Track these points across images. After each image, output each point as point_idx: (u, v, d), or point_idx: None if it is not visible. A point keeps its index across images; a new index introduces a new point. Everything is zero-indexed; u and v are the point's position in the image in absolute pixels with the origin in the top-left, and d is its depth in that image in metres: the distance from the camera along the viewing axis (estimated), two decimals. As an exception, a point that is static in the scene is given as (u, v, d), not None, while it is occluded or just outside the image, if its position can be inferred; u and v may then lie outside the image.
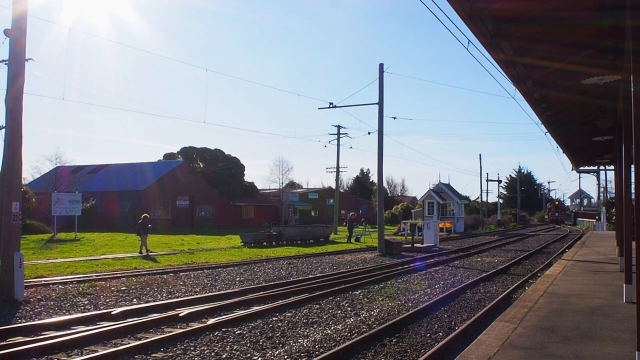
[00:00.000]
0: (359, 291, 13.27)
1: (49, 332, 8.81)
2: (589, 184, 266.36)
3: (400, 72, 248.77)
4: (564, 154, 22.67)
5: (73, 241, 28.88)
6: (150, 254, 22.66)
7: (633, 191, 8.37)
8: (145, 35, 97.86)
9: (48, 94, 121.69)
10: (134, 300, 11.89)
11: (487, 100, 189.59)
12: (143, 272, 16.46)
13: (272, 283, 14.42)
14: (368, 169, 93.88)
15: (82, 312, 10.37)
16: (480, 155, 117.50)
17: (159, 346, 7.93)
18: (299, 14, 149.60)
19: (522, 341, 6.69)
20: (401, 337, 8.59)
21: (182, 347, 7.97)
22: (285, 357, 7.50)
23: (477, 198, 76.43)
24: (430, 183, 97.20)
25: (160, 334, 8.59)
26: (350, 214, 39.48)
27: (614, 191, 32.42)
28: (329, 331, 9.05)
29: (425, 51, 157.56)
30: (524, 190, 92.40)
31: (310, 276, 16.00)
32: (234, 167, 62.46)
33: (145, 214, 25.06)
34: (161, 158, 64.00)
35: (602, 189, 57.28)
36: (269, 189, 69.24)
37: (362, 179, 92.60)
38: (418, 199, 61.19)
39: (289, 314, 10.40)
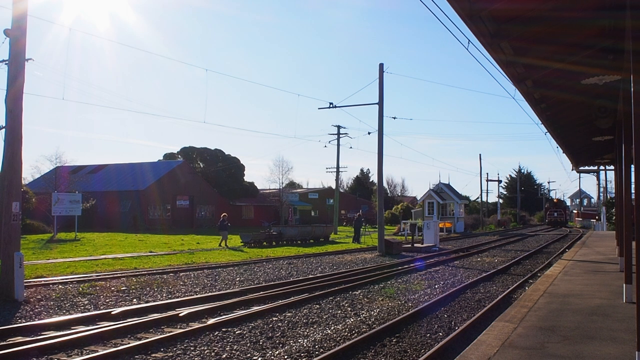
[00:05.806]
0: (359, 291, 13.27)
1: (49, 332, 8.81)
2: (589, 184, 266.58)
3: (400, 72, 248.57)
4: (564, 154, 22.69)
5: (73, 241, 28.89)
6: (227, 248, 26.64)
7: (633, 191, 8.37)
8: (145, 35, 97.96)
9: (48, 93, 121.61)
10: (134, 300, 11.90)
11: (487, 100, 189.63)
12: (143, 272, 16.46)
13: (272, 283, 14.42)
14: (368, 169, 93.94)
15: (82, 312, 10.37)
16: (480, 155, 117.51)
17: (159, 346, 7.93)
18: (299, 14, 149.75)
19: (522, 341, 6.70)
20: (401, 337, 8.59)
21: (182, 347, 7.97)
22: (285, 357, 7.50)
23: (477, 198, 76.60)
24: (430, 183, 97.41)
25: (160, 334, 8.59)
26: (357, 213, 39.45)
27: (614, 191, 32.44)
28: (329, 331, 9.05)
29: (425, 51, 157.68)
30: (524, 190, 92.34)
31: (310, 276, 16.00)
32: (234, 167, 62.47)
33: (224, 214, 29.63)
34: (161, 158, 64.05)
35: (602, 189, 57.35)
36: (269, 189, 69.22)
37: (362, 179, 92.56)
38: (418, 199, 61.15)
39: (289, 314, 10.40)
